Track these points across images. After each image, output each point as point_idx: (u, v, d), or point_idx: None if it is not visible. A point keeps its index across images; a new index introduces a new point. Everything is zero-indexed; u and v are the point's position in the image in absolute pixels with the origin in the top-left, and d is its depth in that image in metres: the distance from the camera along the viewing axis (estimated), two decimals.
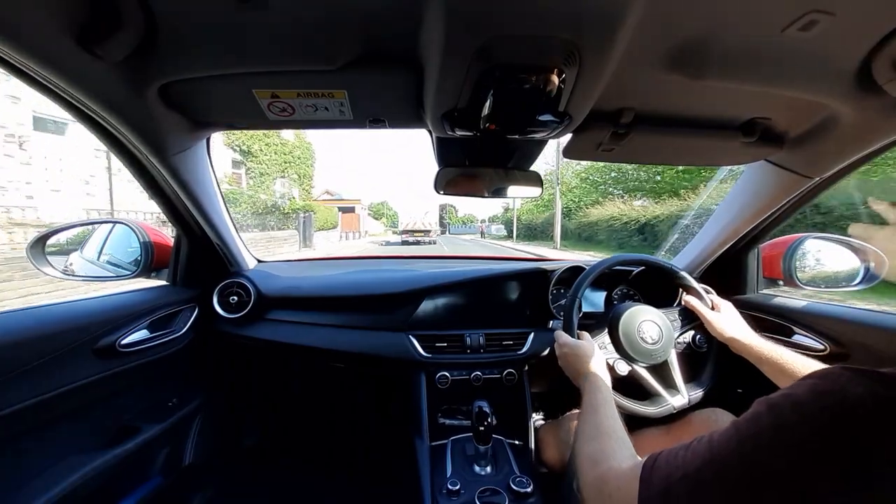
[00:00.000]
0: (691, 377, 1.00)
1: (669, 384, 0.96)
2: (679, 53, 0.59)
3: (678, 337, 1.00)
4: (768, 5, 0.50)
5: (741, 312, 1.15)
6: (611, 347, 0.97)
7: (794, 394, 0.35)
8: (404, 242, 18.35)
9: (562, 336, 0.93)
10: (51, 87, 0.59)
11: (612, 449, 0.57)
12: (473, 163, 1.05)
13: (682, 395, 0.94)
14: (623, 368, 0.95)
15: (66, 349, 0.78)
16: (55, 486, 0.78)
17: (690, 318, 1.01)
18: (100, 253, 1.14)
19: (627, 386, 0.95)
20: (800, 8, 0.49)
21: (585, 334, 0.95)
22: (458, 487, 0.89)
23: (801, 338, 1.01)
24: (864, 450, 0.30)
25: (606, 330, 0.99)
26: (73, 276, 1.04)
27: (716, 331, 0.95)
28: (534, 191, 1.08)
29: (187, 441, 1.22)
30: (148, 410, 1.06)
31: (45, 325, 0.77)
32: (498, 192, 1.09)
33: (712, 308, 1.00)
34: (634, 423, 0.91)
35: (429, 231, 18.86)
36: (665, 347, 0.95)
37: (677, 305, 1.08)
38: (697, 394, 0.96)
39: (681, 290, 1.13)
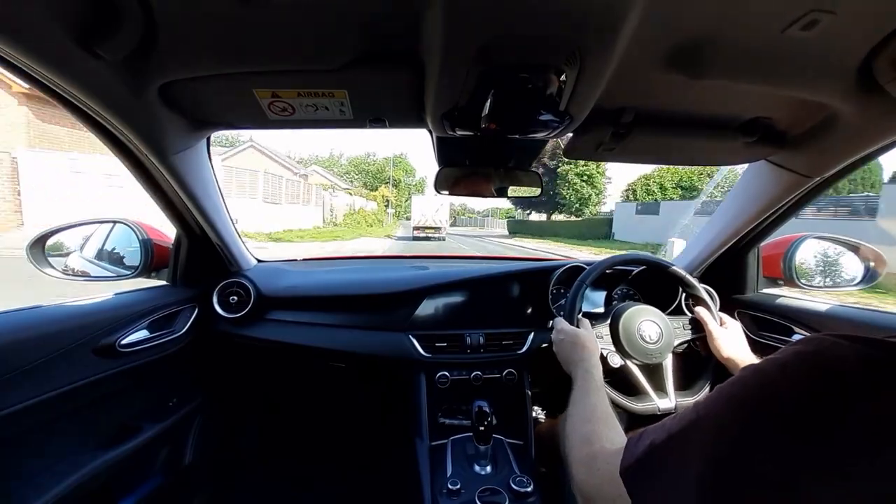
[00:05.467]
0: (686, 385, 0.99)
1: (659, 387, 0.95)
2: (680, 53, 0.59)
3: (679, 344, 0.99)
4: (770, 5, 0.50)
5: (741, 312, 1.14)
6: (608, 339, 0.97)
7: (779, 357, 0.37)
8: (415, 238, 18.68)
9: (560, 322, 0.94)
10: (50, 86, 0.59)
11: (603, 431, 0.58)
12: (474, 162, 1.05)
13: (669, 399, 0.93)
14: (616, 361, 0.94)
15: (66, 349, 0.78)
16: (55, 486, 0.78)
17: (698, 329, 1.00)
18: (100, 253, 1.13)
19: (617, 380, 0.94)
20: (801, 7, 0.49)
21: (585, 322, 0.95)
22: (458, 487, 0.89)
23: (800, 337, 1.01)
24: (847, 405, 0.31)
25: (608, 322, 0.99)
26: (73, 276, 1.04)
27: (716, 347, 0.93)
28: (534, 190, 1.09)
29: (187, 441, 1.22)
30: (148, 410, 1.06)
31: (45, 325, 0.77)
32: (498, 192, 1.10)
33: (721, 324, 0.98)
34: (633, 424, 0.90)
35: (439, 228, 19.12)
36: (663, 350, 0.94)
37: (688, 314, 1.06)
38: (688, 402, 0.93)
39: (681, 291, 1.13)
